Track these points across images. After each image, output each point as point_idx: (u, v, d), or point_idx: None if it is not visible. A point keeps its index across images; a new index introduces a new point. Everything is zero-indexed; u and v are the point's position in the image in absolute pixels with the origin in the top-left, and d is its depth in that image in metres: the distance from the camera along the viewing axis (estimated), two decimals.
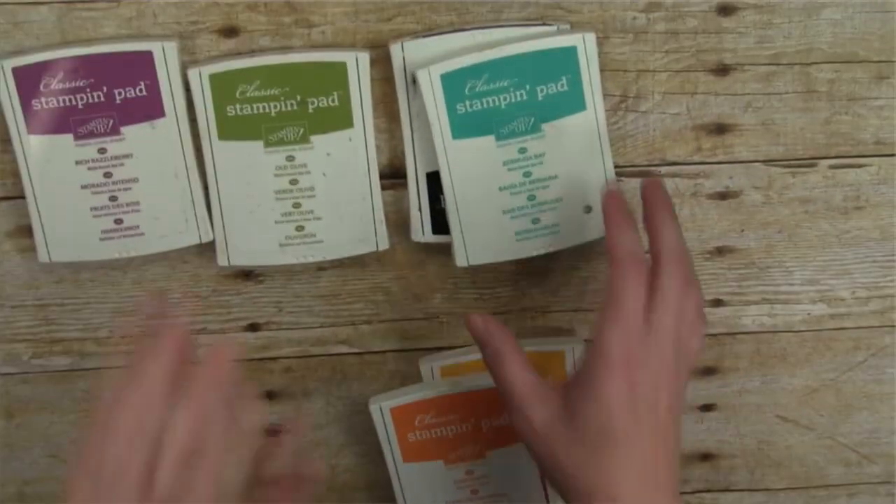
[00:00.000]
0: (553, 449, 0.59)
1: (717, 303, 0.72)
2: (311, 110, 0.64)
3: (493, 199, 0.65)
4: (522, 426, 0.60)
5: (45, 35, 0.64)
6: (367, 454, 0.75)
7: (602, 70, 0.67)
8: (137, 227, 0.66)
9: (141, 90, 0.63)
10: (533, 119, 0.64)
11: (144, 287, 0.70)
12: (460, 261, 0.67)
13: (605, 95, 0.67)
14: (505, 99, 0.64)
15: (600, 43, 0.66)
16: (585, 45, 0.64)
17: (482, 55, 0.63)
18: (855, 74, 0.68)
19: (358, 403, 0.73)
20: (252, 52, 0.64)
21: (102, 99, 0.63)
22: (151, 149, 0.64)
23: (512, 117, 0.64)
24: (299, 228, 0.66)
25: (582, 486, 0.58)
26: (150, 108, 0.64)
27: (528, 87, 0.64)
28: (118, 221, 0.66)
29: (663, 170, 0.69)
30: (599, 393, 0.58)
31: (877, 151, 0.69)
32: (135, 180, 0.65)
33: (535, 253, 0.68)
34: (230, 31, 0.65)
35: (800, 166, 0.69)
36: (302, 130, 0.64)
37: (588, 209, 0.67)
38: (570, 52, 0.63)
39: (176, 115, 0.64)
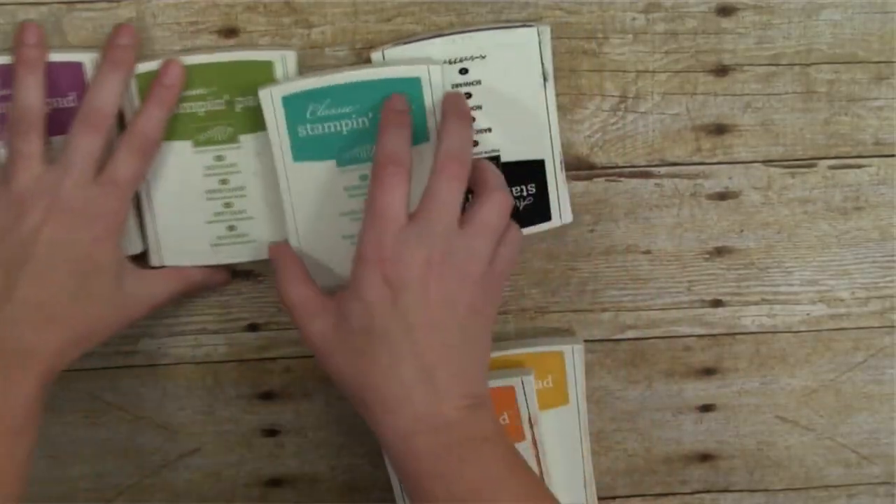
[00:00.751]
0: (332, 359, 0.59)
1: (717, 303, 0.72)
2: (238, 109, 0.64)
3: (334, 224, 0.65)
4: (306, 340, 0.61)
5: (45, 35, 0.64)
6: (366, 454, 0.75)
7: (601, 70, 0.67)
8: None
9: (72, 101, 0.63)
10: (374, 147, 0.62)
11: None
12: None
13: (605, 96, 0.67)
14: (347, 125, 0.63)
15: (599, 44, 0.66)
16: (430, 76, 0.62)
17: (325, 79, 0.62)
18: (854, 75, 0.68)
19: None
20: (179, 52, 0.64)
21: None
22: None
23: (353, 144, 0.63)
24: (231, 228, 0.66)
25: (357, 391, 0.59)
26: None
27: (370, 115, 0.63)
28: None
29: (663, 170, 0.69)
30: (358, 292, 0.58)
31: (876, 152, 0.69)
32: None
33: None
34: (230, 32, 0.65)
35: (799, 167, 0.69)
36: (230, 130, 0.64)
37: None
38: (414, 83, 0.62)
39: None
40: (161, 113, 0.62)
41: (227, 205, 0.66)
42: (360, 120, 0.63)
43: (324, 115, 0.63)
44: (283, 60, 0.63)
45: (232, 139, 0.65)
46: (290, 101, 0.62)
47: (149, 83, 0.63)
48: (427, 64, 0.62)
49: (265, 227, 0.66)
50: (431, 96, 0.63)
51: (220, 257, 0.67)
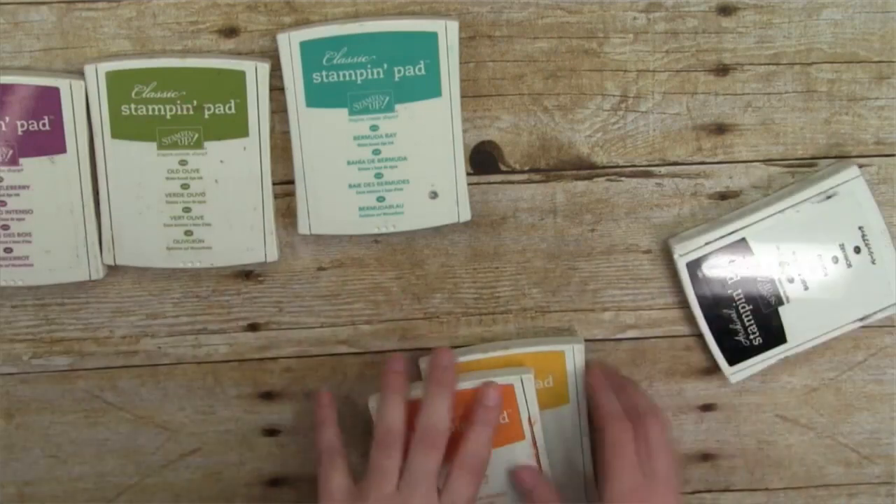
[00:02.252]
0: None
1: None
2: (206, 116, 0.64)
3: (340, 172, 0.66)
4: None
5: (45, 35, 0.64)
6: (366, 454, 0.75)
7: (602, 70, 0.67)
8: (27, 257, 0.66)
9: (44, 125, 0.63)
10: (387, 98, 0.64)
11: (144, 287, 0.70)
12: (302, 229, 0.67)
13: (606, 96, 0.67)
14: (361, 75, 0.64)
15: (600, 43, 0.66)
16: (447, 33, 0.64)
17: (343, 28, 0.63)
18: (855, 75, 0.68)
19: (358, 403, 0.73)
20: (152, 53, 0.64)
21: (4, 129, 0.63)
22: (49, 183, 0.65)
23: (366, 94, 0.64)
24: (188, 233, 0.66)
25: None
26: (51, 144, 0.64)
27: (385, 66, 0.64)
28: (7, 250, 0.66)
29: (664, 170, 0.69)
30: None
31: (877, 151, 0.69)
32: (29, 212, 0.65)
33: (376, 231, 0.67)
34: (230, 32, 0.65)
35: (800, 166, 0.69)
36: (196, 135, 0.64)
37: (434, 195, 0.67)
38: (431, 39, 0.64)
39: (77, 152, 0.64)
40: (487, 432, 0.66)
41: (186, 209, 0.66)
42: (374, 71, 0.64)
43: (339, 64, 0.64)
44: (256, 71, 0.64)
45: (198, 145, 0.65)
46: (307, 47, 0.63)
47: (117, 82, 0.63)
48: (445, 20, 0.63)
49: (222, 235, 0.66)
50: (447, 52, 0.64)
51: (174, 261, 0.67)
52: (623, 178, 0.69)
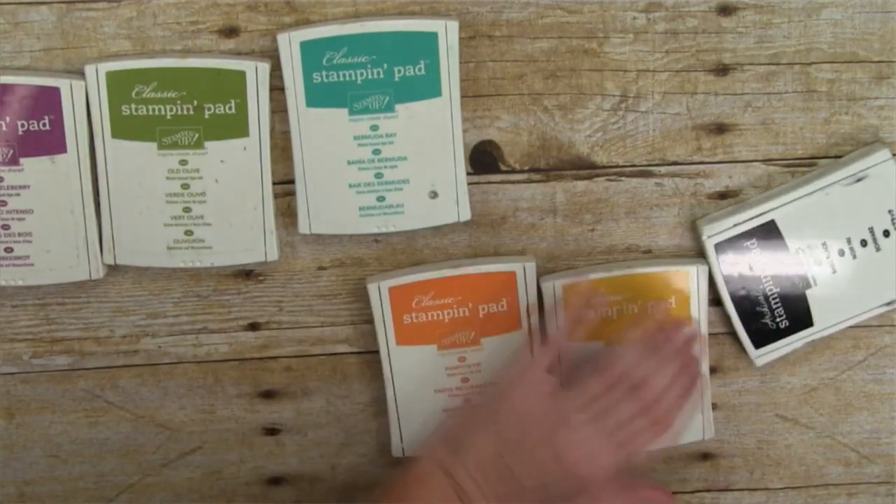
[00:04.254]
0: None
1: (717, 302, 0.72)
2: (206, 116, 0.64)
3: (340, 171, 0.66)
4: None
5: (45, 35, 0.64)
6: (366, 454, 0.75)
7: (602, 70, 0.67)
8: (27, 257, 0.66)
9: (44, 125, 0.64)
10: (387, 98, 0.64)
11: (144, 286, 0.70)
12: (303, 228, 0.67)
13: (606, 95, 0.67)
14: (361, 74, 0.64)
15: (600, 43, 0.66)
16: (447, 33, 0.64)
17: (343, 28, 0.63)
18: (855, 74, 0.68)
19: (358, 403, 0.73)
20: (152, 53, 0.64)
21: (4, 129, 0.63)
22: (49, 183, 0.65)
23: (366, 94, 0.64)
24: (188, 233, 0.66)
25: None
26: (52, 143, 0.64)
27: (385, 66, 0.64)
28: (8, 250, 0.66)
29: (663, 170, 0.69)
30: None
31: None
32: (29, 212, 0.65)
33: (376, 230, 0.67)
34: (230, 31, 0.65)
35: (799, 166, 0.69)
36: (197, 135, 0.65)
37: (434, 195, 0.67)
38: (431, 39, 0.64)
39: (77, 152, 0.64)
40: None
41: (186, 209, 0.66)
42: (374, 71, 0.64)
43: (339, 64, 0.64)
44: (256, 71, 0.64)
45: (198, 145, 0.65)
46: (307, 47, 0.63)
47: (117, 82, 0.63)
48: (445, 20, 0.63)
49: (222, 234, 0.67)
50: (447, 52, 0.64)
51: (174, 261, 0.67)
52: (623, 178, 0.69)
